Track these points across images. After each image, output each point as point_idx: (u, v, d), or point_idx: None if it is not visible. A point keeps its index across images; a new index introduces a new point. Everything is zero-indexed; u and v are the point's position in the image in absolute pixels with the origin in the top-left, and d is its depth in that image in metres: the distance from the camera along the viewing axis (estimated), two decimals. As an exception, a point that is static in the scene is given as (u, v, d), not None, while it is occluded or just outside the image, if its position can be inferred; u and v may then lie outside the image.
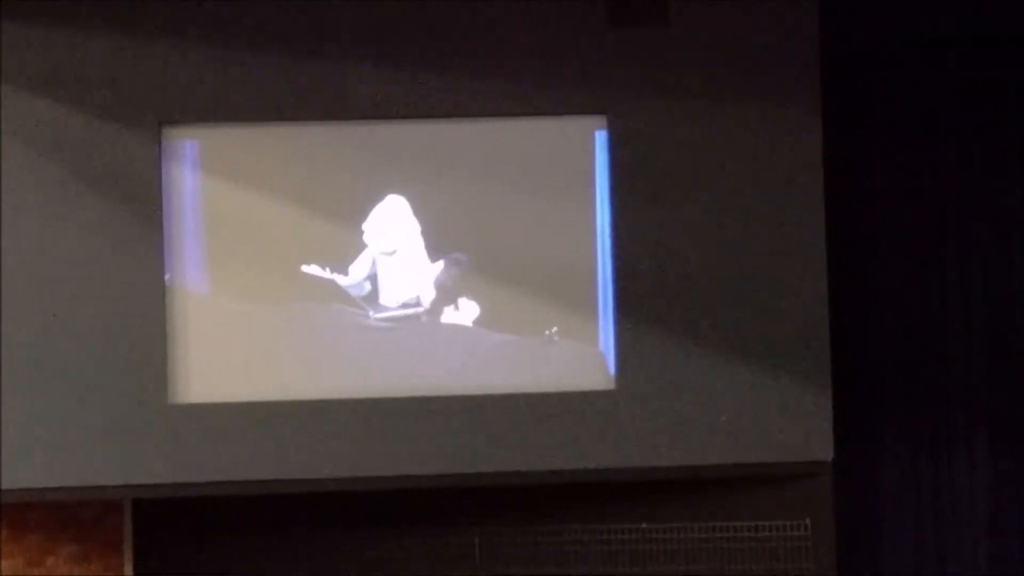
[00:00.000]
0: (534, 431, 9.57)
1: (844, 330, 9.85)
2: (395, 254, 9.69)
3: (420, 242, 9.69)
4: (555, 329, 9.67)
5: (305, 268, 9.58)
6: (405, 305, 9.71)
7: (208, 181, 9.66)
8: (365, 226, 9.66)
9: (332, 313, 9.65)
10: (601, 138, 9.68)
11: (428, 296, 9.71)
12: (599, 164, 9.68)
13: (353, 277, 9.66)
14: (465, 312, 9.68)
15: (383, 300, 9.70)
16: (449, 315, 9.69)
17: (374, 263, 9.69)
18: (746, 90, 9.58)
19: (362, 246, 9.68)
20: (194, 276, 9.64)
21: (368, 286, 9.69)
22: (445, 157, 9.67)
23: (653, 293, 9.59)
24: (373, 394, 9.61)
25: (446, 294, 9.68)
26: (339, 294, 9.66)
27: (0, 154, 9.45)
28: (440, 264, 9.66)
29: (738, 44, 9.61)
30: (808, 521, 9.90)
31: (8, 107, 9.46)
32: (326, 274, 9.60)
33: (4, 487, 9.41)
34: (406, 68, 9.55)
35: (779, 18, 9.60)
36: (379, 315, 9.69)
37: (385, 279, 9.69)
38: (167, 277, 9.58)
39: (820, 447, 9.58)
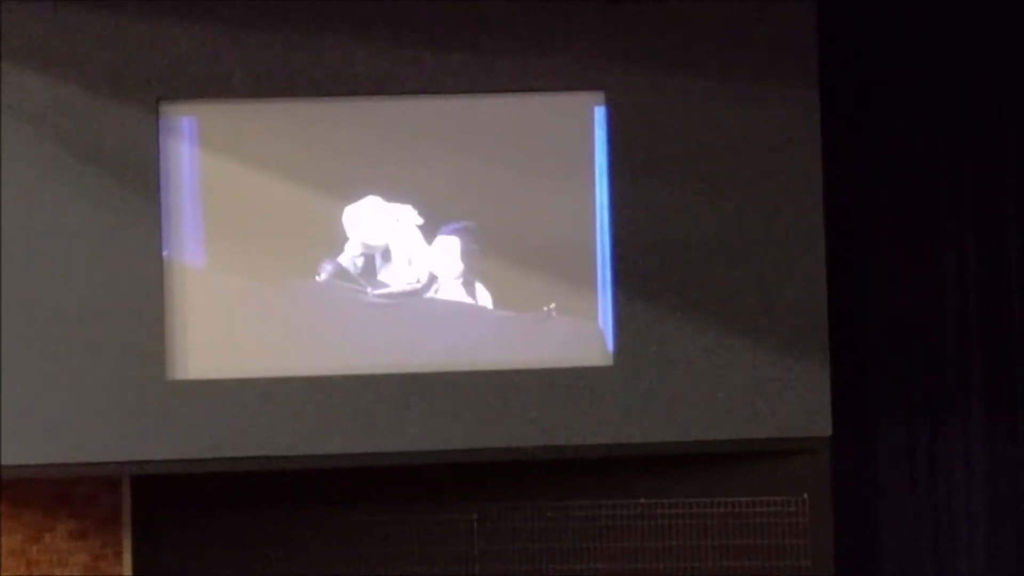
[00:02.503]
0: (533, 407, 9.58)
1: (842, 306, 9.88)
2: (388, 248, 9.68)
3: (414, 225, 9.67)
4: (553, 305, 9.67)
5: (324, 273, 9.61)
6: (403, 282, 9.70)
7: (206, 157, 9.65)
8: (353, 228, 9.64)
9: (330, 290, 9.65)
10: (599, 114, 9.67)
11: (426, 273, 9.70)
12: (599, 140, 9.68)
13: (350, 254, 9.65)
14: (464, 288, 9.68)
15: (381, 277, 9.69)
16: (447, 292, 9.69)
17: (370, 243, 9.69)
18: (745, 65, 9.58)
19: (360, 222, 9.68)
20: (192, 252, 9.63)
21: (361, 263, 9.68)
22: (444, 133, 9.66)
23: (651, 269, 9.60)
24: (371, 370, 9.61)
25: (446, 270, 9.67)
26: (337, 271, 9.66)
27: (-2, 131, 9.47)
28: (455, 240, 9.64)
29: (736, 19, 9.60)
30: (806, 496, 9.92)
31: (6, 83, 9.43)
32: (334, 265, 9.62)
33: (3, 464, 9.39)
34: (405, 45, 9.54)
35: (777, -7, 9.64)
36: (377, 292, 9.69)
37: (384, 256, 9.68)
38: (165, 253, 9.57)
39: (818, 423, 9.61)
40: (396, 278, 9.67)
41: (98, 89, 9.48)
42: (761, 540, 9.96)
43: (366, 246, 9.66)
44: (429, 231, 9.70)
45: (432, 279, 9.69)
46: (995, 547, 10.20)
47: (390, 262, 9.66)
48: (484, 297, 9.68)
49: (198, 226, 9.64)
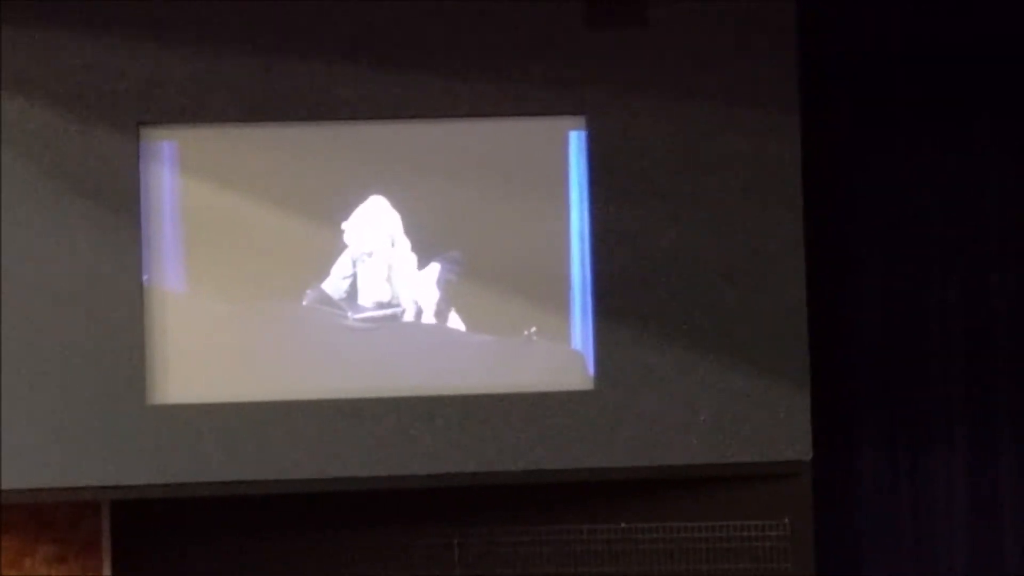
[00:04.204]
0: (513, 431, 9.57)
1: (822, 329, 9.87)
2: (373, 255, 9.68)
3: (401, 242, 9.69)
4: (534, 329, 9.67)
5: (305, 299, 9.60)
6: (383, 306, 9.71)
7: (186, 182, 9.64)
8: (344, 226, 9.66)
9: (311, 314, 9.64)
10: (575, 138, 9.68)
11: (406, 297, 9.70)
12: (574, 164, 9.68)
13: (334, 279, 9.66)
14: (444, 313, 9.68)
15: (362, 301, 9.69)
16: (428, 315, 9.69)
17: (354, 264, 9.68)
18: (725, 90, 9.58)
19: (341, 247, 9.68)
20: (172, 277, 9.62)
21: (345, 287, 9.68)
22: (424, 158, 9.66)
23: (632, 294, 9.60)
24: (351, 395, 9.60)
25: (435, 295, 9.67)
26: (318, 295, 9.65)
27: (-21, 155, 9.46)
28: (435, 267, 9.65)
29: (716, 44, 9.62)
30: (787, 520, 9.90)
31: (-17, 108, 9.47)
32: (316, 291, 9.62)
33: (-19, 489, 9.41)
34: (385, 69, 9.55)
35: (757, 17, 9.61)
36: (357, 316, 9.69)
37: (364, 280, 9.69)
38: (145, 278, 9.56)
39: (799, 446, 9.61)
40: (375, 294, 9.66)
41: (77, 113, 9.47)
42: (743, 564, 9.94)
43: (349, 263, 9.66)
44: (411, 254, 9.70)
45: (412, 303, 9.69)
46: (978, 571, 10.18)
47: (372, 274, 9.65)
48: (464, 321, 9.68)
49: (178, 251, 9.63)
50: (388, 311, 9.70)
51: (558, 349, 9.69)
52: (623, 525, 9.97)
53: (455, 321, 9.68)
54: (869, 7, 10.03)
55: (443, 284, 9.68)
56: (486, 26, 9.57)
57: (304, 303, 9.64)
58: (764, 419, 9.59)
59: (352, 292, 9.69)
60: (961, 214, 10.26)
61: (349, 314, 9.67)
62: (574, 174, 9.70)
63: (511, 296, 9.66)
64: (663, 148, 9.61)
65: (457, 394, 9.60)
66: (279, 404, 9.55)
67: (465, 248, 9.67)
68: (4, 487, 9.42)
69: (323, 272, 9.67)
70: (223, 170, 9.65)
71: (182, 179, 9.65)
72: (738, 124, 9.59)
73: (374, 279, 9.68)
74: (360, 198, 9.66)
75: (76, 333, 9.46)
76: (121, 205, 9.51)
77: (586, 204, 9.64)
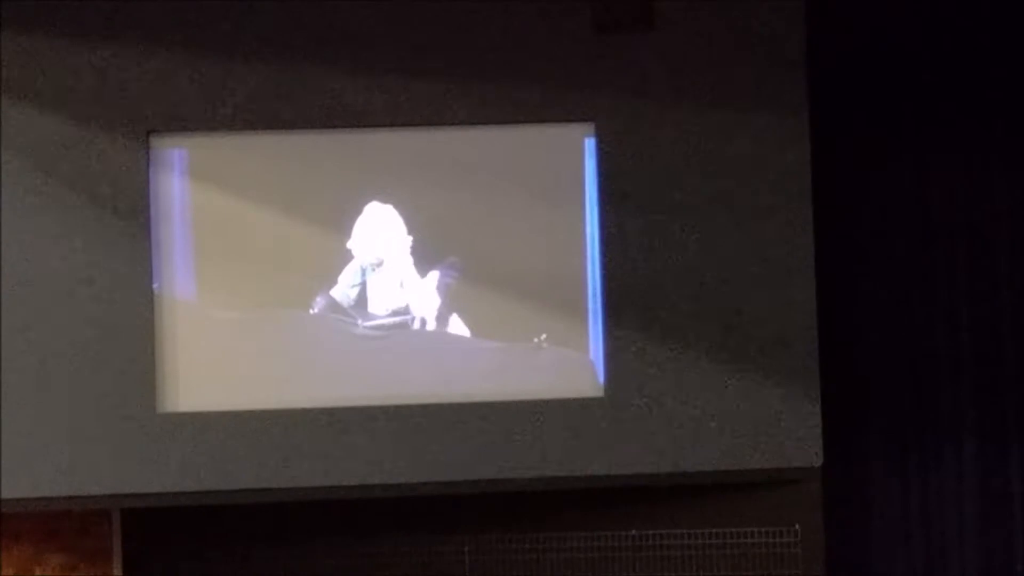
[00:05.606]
0: (524, 439, 9.57)
1: (832, 336, 9.87)
2: (384, 263, 9.69)
3: (408, 250, 9.69)
4: (544, 336, 9.67)
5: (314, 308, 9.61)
6: (394, 313, 9.71)
7: (196, 190, 9.66)
8: (351, 239, 9.65)
9: (321, 322, 9.65)
10: (590, 145, 9.69)
11: (417, 304, 9.70)
12: (590, 171, 9.68)
13: (342, 287, 9.66)
14: (454, 320, 9.68)
15: (372, 308, 9.69)
16: (438, 323, 9.69)
17: (363, 272, 9.69)
18: (734, 95, 9.60)
19: (351, 255, 9.68)
20: (182, 285, 9.63)
21: (354, 294, 9.68)
22: (434, 165, 9.67)
23: (642, 300, 9.60)
24: (361, 402, 9.60)
25: (436, 302, 9.67)
26: (328, 303, 9.66)
27: (-7, 165, 9.48)
28: (435, 274, 9.65)
29: (724, 49, 9.63)
30: (797, 527, 9.91)
31: (-3, 116, 9.48)
32: (325, 298, 9.62)
33: (-8, 497, 9.41)
34: (394, 76, 9.56)
35: (765, 22, 9.63)
36: (368, 323, 9.69)
37: (374, 288, 9.69)
38: (155, 286, 9.57)
39: (809, 453, 9.61)
40: (387, 301, 9.66)
41: (88, 122, 9.49)
42: (753, 571, 9.94)
43: (358, 271, 9.66)
44: (419, 262, 9.70)
45: (422, 310, 9.69)
46: (987, 577, 10.22)
47: (382, 282, 9.65)
48: (474, 328, 9.68)
49: (189, 259, 9.65)
50: (398, 319, 9.70)
51: (568, 356, 9.70)
52: (633, 532, 9.97)
53: (466, 329, 9.68)
54: (877, 10, 10.03)
55: (452, 291, 9.68)
56: (496, 33, 9.57)
57: (314, 311, 9.65)
58: (774, 426, 9.59)
59: (361, 300, 9.69)
60: (970, 220, 10.26)
61: (359, 322, 9.67)
62: (590, 180, 9.69)
63: (521, 303, 9.66)
64: (672, 153, 9.62)
65: (467, 401, 9.60)
66: (289, 412, 9.56)
67: (475, 255, 9.67)
68: (14, 495, 9.42)
69: (332, 280, 9.67)
70: (233, 178, 9.66)
71: (192, 187, 9.67)
72: (747, 128, 9.60)
73: (387, 287, 9.68)
74: (371, 206, 9.66)
75: (86, 341, 9.47)
76: (131, 213, 9.53)
77: (595, 210, 9.65)
